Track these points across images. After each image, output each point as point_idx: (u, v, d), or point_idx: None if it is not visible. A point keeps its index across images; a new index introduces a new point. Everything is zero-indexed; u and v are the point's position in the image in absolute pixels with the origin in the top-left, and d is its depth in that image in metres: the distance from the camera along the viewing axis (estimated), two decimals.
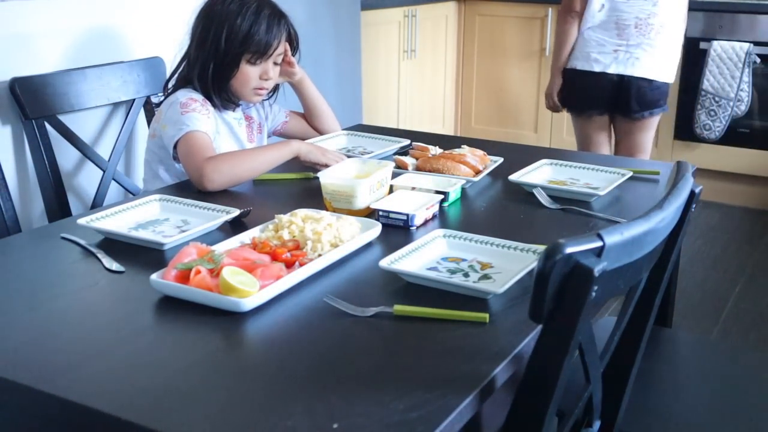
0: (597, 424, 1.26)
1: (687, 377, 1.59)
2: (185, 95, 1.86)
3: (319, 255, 1.32)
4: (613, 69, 2.90)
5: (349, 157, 1.82)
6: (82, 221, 1.48)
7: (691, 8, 3.97)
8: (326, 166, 1.78)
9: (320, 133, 2.14)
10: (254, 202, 1.69)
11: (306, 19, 2.95)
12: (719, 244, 3.65)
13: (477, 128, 4.71)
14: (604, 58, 2.91)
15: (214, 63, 1.87)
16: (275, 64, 1.94)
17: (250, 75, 1.90)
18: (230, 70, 1.88)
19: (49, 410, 0.99)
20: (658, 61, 2.91)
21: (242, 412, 0.93)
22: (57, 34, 2.14)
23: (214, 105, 1.91)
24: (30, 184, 2.10)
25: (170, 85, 1.96)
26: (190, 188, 1.73)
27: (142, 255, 1.38)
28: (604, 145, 3.11)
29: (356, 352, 1.07)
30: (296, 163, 1.84)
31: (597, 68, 2.93)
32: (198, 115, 1.81)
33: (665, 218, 1.04)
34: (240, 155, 1.79)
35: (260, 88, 1.93)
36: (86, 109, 2.20)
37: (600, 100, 2.98)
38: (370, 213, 1.55)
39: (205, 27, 1.87)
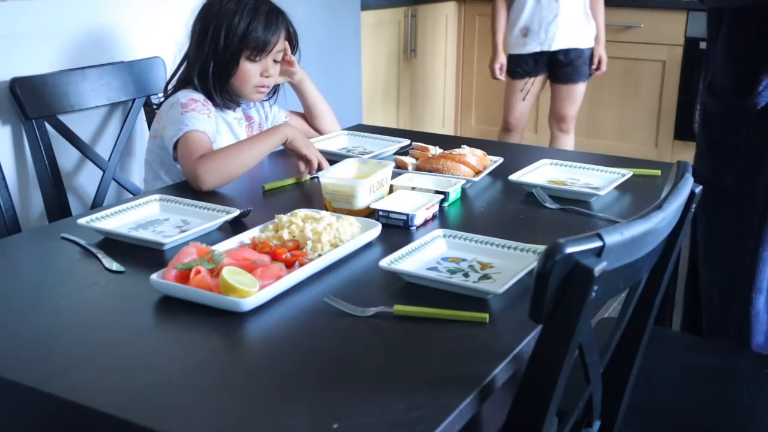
0: (597, 424, 1.26)
1: (686, 377, 1.59)
2: (186, 96, 1.86)
3: (319, 255, 1.32)
4: None
5: (349, 157, 1.82)
6: (82, 221, 1.48)
7: (692, 8, 3.99)
8: (305, 158, 1.80)
9: (320, 133, 2.14)
10: (254, 202, 1.69)
11: (306, 19, 2.95)
12: None
13: (477, 128, 4.71)
14: None
15: (213, 62, 1.87)
16: (275, 61, 1.94)
17: (251, 72, 1.90)
18: (230, 69, 1.88)
19: (49, 410, 0.99)
20: None
21: (242, 412, 0.93)
22: (57, 34, 2.14)
23: (215, 104, 1.91)
24: (30, 184, 2.10)
25: (170, 86, 1.96)
26: (190, 188, 1.73)
27: (142, 255, 1.38)
28: None
29: (356, 352, 1.07)
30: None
31: None
32: (198, 115, 1.81)
33: (665, 218, 1.04)
34: (230, 151, 1.76)
35: (261, 86, 1.94)
36: (86, 109, 2.20)
37: None
38: (370, 213, 1.55)
39: (204, 27, 1.88)
